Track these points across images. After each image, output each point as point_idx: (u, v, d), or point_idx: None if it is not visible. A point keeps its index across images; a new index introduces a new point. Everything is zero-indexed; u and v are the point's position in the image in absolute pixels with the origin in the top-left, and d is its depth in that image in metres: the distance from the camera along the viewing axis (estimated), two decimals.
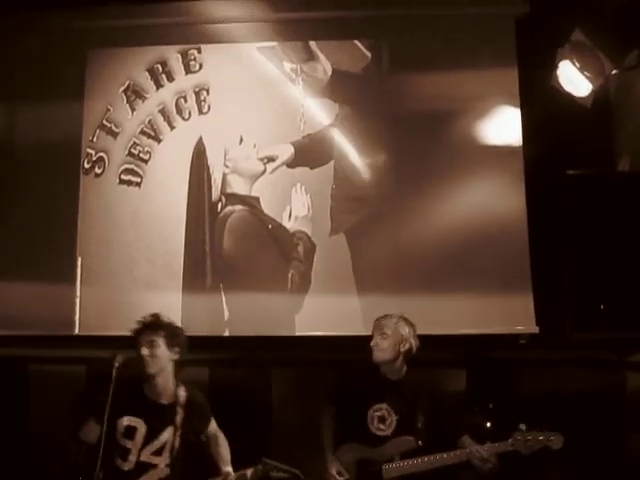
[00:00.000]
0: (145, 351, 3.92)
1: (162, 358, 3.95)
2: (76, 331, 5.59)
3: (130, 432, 3.89)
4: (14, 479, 5.41)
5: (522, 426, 4.03)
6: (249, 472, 3.89)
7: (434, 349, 4.84)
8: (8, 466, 5.39)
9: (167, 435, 3.94)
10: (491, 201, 5.39)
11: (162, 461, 3.92)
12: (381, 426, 4.19)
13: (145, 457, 3.90)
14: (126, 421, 3.90)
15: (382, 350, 4.24)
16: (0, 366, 5.69)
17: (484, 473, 4.06)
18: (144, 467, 3.89)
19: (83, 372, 5.57)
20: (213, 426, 4.23)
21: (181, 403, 3.97)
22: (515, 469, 4.50)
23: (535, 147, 5.42)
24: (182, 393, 4.00)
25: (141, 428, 3.90)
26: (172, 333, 4.02)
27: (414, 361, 4.32)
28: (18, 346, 5.61)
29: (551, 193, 5.32)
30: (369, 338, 4.32)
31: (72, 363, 5.68)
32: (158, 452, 3.92)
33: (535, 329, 5.20)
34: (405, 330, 4.26)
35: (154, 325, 4.02)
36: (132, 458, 3.89)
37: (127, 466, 3.87)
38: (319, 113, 5.63)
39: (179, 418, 3.94)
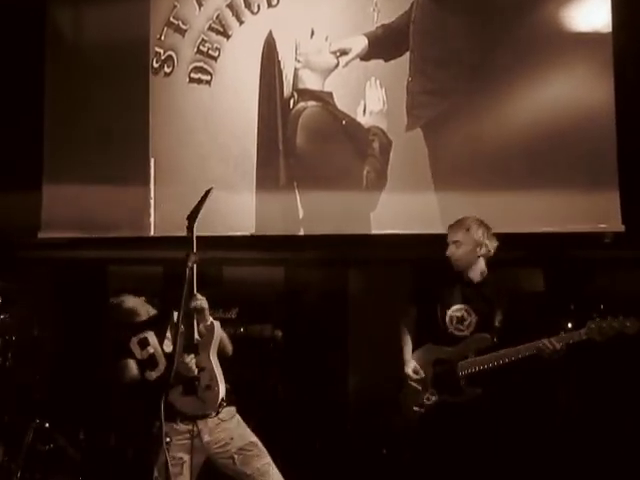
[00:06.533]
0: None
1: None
2: (151, 232, 5.68)
3: None
4: (91, 377, 5.57)
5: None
6: None
7: (515, 248, 4.76)
8: (86, 366, 5.54)
9: None
10: (577, 92, 5.16)
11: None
12: (460, 326, 4.17)
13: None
14: None
15: (458, 259, 4.17)
16: (79, 268, 5.85)
17: (549, 361, 3.97)
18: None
19: (160, 273, 5.63)
20: None
21: None
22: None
23: (626, 34, 5.13)
24: None
25: None
26: None
27: (494, 260, 4.21)
28: (96, 248, 5.73)
29: None
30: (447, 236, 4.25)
31: (149, 264, 5.76)
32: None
33: (621, 227, 5.07)
34: (478, 234, 4.15)
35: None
36: None
37: None
38: (393, 1, 5.40)
39: None
